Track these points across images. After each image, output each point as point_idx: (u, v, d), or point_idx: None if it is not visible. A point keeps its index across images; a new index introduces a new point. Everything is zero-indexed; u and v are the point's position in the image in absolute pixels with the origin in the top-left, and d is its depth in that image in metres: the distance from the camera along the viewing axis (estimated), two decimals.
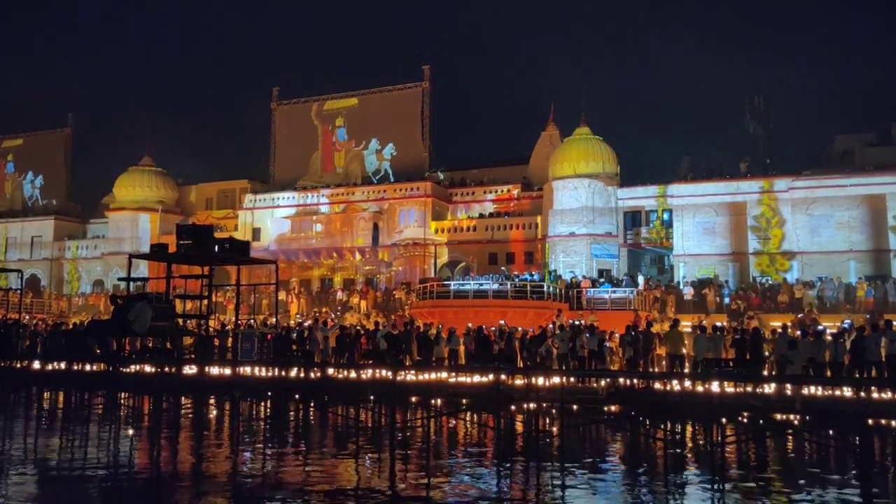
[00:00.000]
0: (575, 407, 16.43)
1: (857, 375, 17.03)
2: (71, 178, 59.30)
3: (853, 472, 14.51)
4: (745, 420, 15.27)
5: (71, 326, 27.27)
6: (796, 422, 15.16)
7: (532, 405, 17.02)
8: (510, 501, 13.05)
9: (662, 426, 16.33)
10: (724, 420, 14.62)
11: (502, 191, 46.79)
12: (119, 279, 43.24)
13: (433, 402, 17.72)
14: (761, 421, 15.28)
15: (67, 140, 58.88)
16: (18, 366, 22.33)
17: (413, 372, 19.21)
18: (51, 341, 23.86)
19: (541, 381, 17.08)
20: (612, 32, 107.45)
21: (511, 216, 44.44)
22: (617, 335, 21.47)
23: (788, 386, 15.95)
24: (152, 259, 25.45)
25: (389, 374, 18.11)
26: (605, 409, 16.99)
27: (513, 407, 16.53)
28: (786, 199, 36.50)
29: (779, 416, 15.44)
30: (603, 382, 17.74)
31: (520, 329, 24.14)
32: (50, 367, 21.27)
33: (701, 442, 17.39)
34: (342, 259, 46.34)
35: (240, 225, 49.45)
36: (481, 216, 45.51)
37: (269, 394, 18.88)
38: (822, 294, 31.80)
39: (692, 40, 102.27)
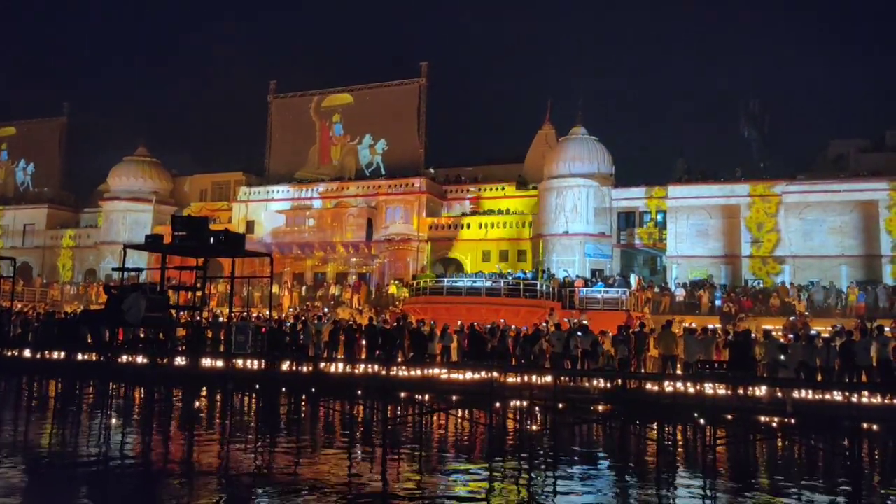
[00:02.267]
0: (560, 405, 16.51)
1: (847, 380, 17.13)
2: (65, 167, 59.02)
3: (842, 475, 14.64)
4: (728, 422, 15.32)
5: (63, 315, 27.18)
6: (774, 424, 15.22)
7: (521, 403, 17.06)
8: (501, 499, 13.11)
9: (653, 427, 16.41)
10: (702, 421, 14.75)
11: (497, 188, 46.84)
12: (114, 269, 43.15)
13: (424, 398, 17.76)
14: (739, 423, 15.34)
15: (62, 129, 58.62)
16: (9, 354, 22.24)
17: (405, 368, 19.26)
18: (43, 330, 23.77)
19: (534, 379, 17.13)
20: (609, 33, 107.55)
21: (505, 214, 44.50)
22: (610, 335, 21.53)
23: (779, 389, 16.04)
24: (147, 250, 25.42)
25: (382, 369, 18.17)
26: (592, 408, 17.02)
27: (497, 404, 16.56)
28: (779, 203, 36.66)
29: (763, 419, 15.50)
30: (595, 382, 17.80)
31: (513, 327, 24.21)
32: (41, 355, 21.19)
33: (688, 442, 17.53)
34: (334, 253, 46.36)
35: (234, 217, 49.36)
36: (475, 213, 45.57)
37: (262, 387, 18.86)
38: (812, 298, 31.98)
39: (689, 43, 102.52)
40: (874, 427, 14.24)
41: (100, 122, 65.08)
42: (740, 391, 15.38)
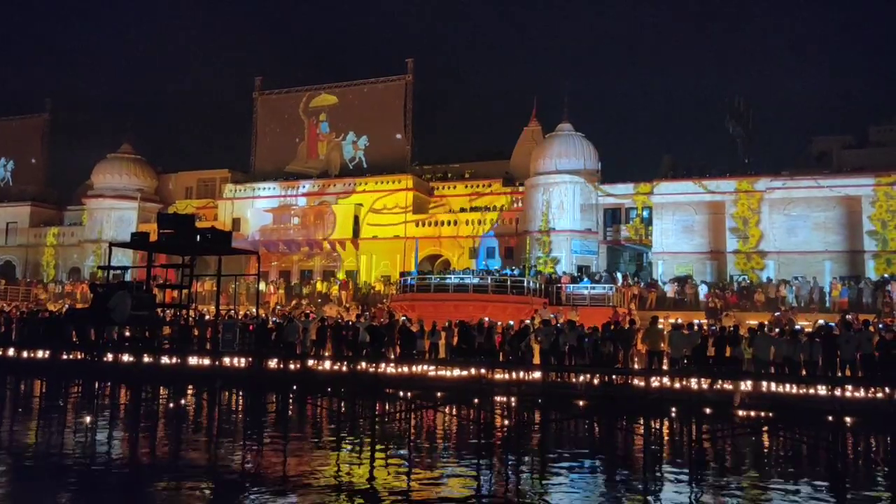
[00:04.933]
0: (540, 400, 16.59)
1: (830, 374, 17.29)
2: (48, 164, 58.34)
3: (825, 468, 14.81)
4: (708, 416, 15.44)
5: (48, 314, 26.98)
6: (739, 415, 15.31)
7: (509, 399, 17.10)
8: (490, 494, 13.16)
9: (640, 422, 16.52)
10: (673, 414, 14.87)
11: (484, 185, 46.87)
12: (99, 267, 42.89)
13: (413, 394, 17.79)
14: (718, 418, 15.44)
15: (44, 126, 57.93)
16: None
17: (393, 365, 19.26)
18: (28, 329, 23.62)
19: (521, 375, 17.19)
20: (596, 31, 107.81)
21: (492, 210, 44.57)
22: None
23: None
24: (133, 247, 25.31)
25: (371, 366, 18.17)
26: (573, 402, 17.05)
27: (486, 400, 16.62)
28: (764, 199, 36.92)
29: (741, 413, 15.60)
30: (581, 378, 17.84)
31: (499, 323, 24.24)
32: (26, 354, 21.06)
33: (674, 436, 17.65)
34: (321, 251, 46.32)
35: (220, 215, 49.16)
36: (462, 210, 45.60)
37: (250, 385, 18.83)
38: (796, 293, 32.23)
39: (675, 41, 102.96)
40: (847, 419, 14.34)
41: (83, 119, 64.50)
42: (713, 385, 15.55)
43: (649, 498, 12.94)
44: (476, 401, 16.38)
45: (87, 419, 18.59)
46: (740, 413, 15.09)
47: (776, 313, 29.16)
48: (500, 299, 31.22)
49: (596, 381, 17.46)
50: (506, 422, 17.68)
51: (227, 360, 18.68)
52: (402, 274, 37.33)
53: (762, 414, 15.04)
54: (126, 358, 19.24)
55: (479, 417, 16.33)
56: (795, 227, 36.63)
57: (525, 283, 32.44)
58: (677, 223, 38.56)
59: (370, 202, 46.00)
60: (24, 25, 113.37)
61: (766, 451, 17.31)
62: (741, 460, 16.35)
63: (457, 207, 46.30)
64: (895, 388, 14.68)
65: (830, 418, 13.76)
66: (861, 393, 15.60)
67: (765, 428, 16.25)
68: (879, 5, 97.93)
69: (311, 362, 19.34)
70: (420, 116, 49.25)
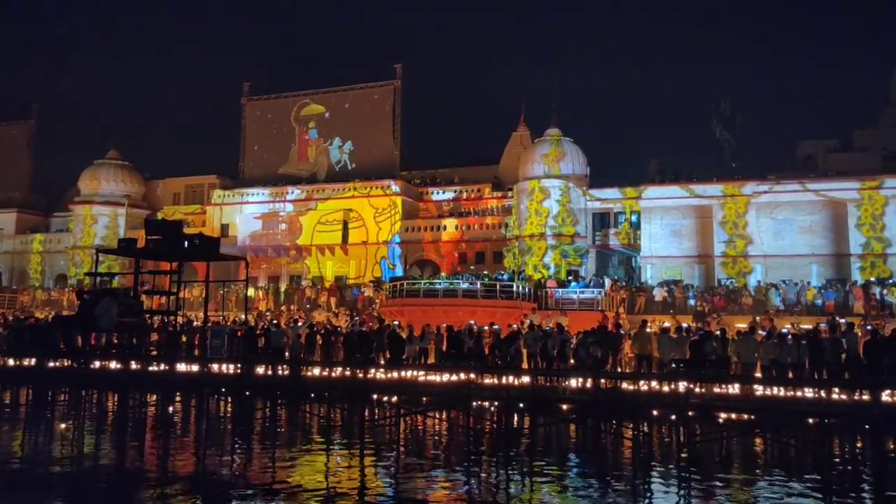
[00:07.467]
0: (521, 405, 16.62)
1: (816, 377, 17.38)
2: (34, 171, 57.88)
3: (812, 470, 14.90)
4: (692, 419, 15.50)
5: (34, 321, 26.79)
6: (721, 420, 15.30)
7: (493, 403, 17.11)
8: (479, 499, 13.17)
9: (628, 425, 16.56)
10: (653, 415, 14.95)
11: (473, 190, 46.90)
12: (86, 274, 42.63)
13: (401, 399, 17.78)
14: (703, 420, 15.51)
15: (30, 132, 57.51)
16: None
17: (383, 370, 19.22)
18: (14, 336, 23.44)
19: (510, 380, 17.21)
20: (584, 36, 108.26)
21: (481, 215, 44.61)
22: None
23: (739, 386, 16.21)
24: (120, 254, 25.17)
25: (360, 372, 18.13)
26: (560, 407, 17.06)
27: (464, 405, 16.63)
28: (750, 203, 37.11)
29: (723, 416, 15.68)
30: (567, 382, 17.83)
31: (486, 328, 24.22)
32: (13, 362, 20.91)
33: (662, 440, 17.71)
34: (309, 256, 46.24)
35: (208, 221, 48.97)
36: (451, 215, 45.62)
37: (238, 391, 18.75)
38: (783, 297, 32.40)
39: (662, 46, 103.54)
40: (831, 421, 14.43)
41: (70, 126, 64.07)
42: (698, 389, 15.62)
43: (639, 500, 12.99)
44: (465, 406, 16.37)
45: (74, 426, 18.46)
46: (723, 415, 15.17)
47: (759, 317, 29.29)
48: (490, 304, 31.25)
49: (588, 385, 17.48)
50: (495, 426, 17.70)
51: (215, 367, 18.59)
52: (392, 279, 37.32)
53: (745, 417, 15.11)
54: (113, 365, 19.13)
55: (468, 422, 16.34)
56: (782, 231, 36.84)
57: (514, 288, 32.48)
58: (665, 227, 38.69)
59: (359, 207, 45.95)
60: (8, 30, 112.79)
61: (753, 452, 17.40)
62: (729, 462, 16.42)
63: (446, 212, 46.34)
64: (880, 390, 14.76)
65: (811, 421, 13.82)
66: (847, 395, 15.68)
67: (756, 430, 16.33)
68: (865, 11, 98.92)
69: (299, 368, 19.27)
70: (409, 121, 49.25)
